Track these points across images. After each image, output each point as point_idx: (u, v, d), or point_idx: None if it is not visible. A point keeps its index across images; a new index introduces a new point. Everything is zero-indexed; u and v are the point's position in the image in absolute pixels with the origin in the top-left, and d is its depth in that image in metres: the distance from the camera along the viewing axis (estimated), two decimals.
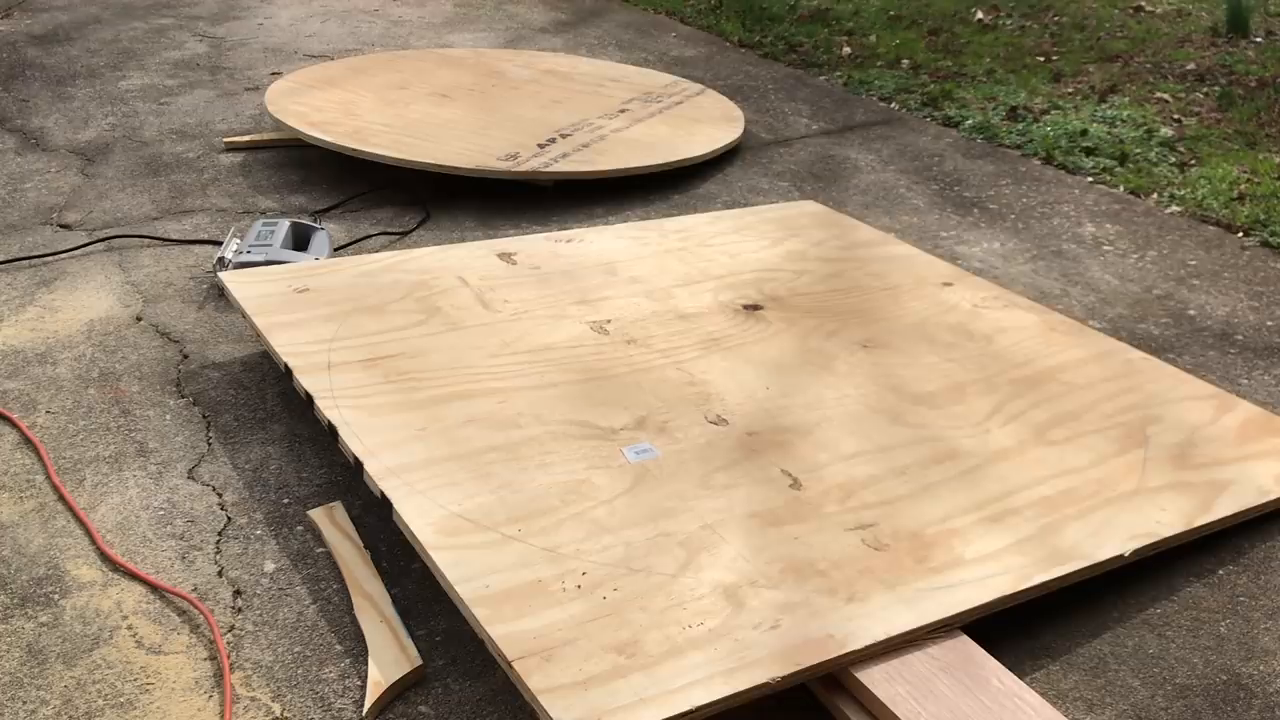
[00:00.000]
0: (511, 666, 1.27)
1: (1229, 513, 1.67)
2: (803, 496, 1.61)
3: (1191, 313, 2.46)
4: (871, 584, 1.44)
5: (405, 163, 2.83)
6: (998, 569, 1.49)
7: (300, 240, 2.46)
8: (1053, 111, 3.72)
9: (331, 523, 1.69)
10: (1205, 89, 4.00)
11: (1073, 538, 1.56)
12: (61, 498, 1.74)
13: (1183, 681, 1.47)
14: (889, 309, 2.19)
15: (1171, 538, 1.61)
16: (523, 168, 2.84)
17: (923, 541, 1.53)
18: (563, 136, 3.08)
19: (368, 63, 3.63)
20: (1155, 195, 3.10)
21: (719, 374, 1.91)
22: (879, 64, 4.29)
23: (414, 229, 2.73)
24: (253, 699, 1.39)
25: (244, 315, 2.03)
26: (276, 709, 1.38)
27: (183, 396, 2.02)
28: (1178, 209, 3.01)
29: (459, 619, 1.51)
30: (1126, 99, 3.87)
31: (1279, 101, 3.82)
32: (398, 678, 1.41)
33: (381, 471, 1.59)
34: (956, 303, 2.24)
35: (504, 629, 1.31)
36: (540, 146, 2.98)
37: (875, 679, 1.32)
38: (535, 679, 1.25)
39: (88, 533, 1.67)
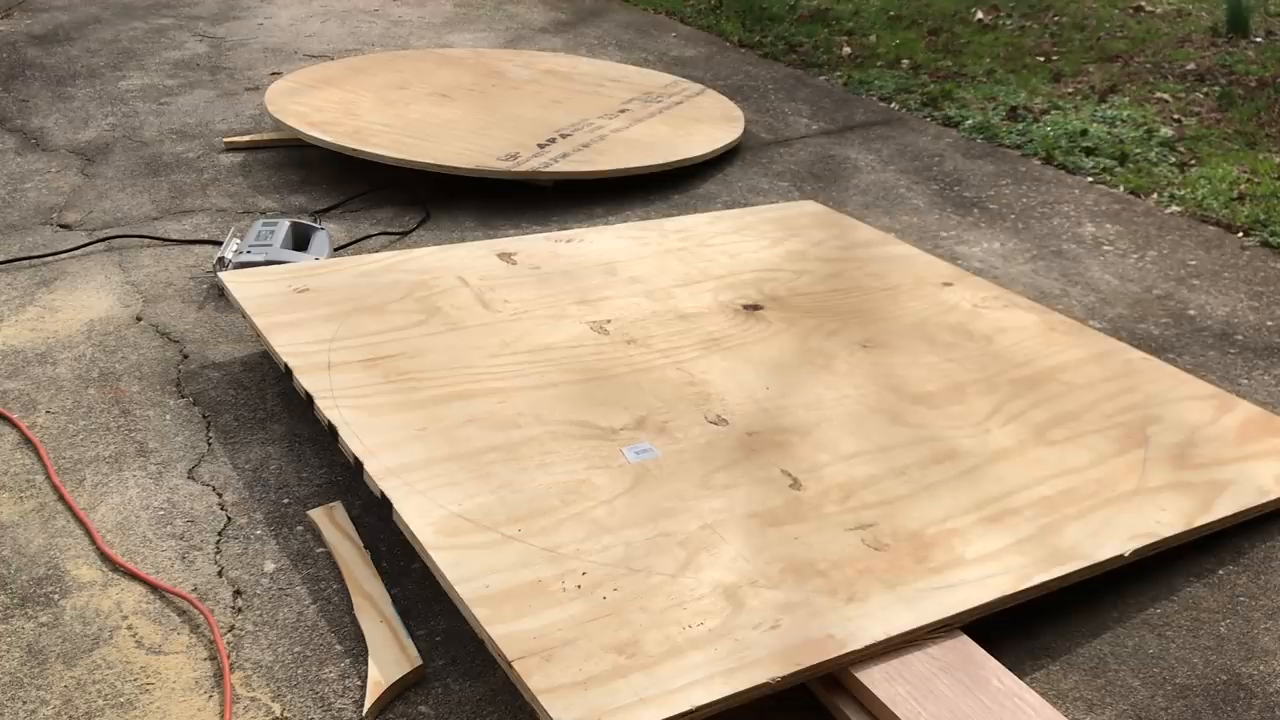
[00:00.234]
0: (511, 666, 1.27)
1: (1229, 513, 1.67)
2: (803, 496, 1.61)
3: (1191, 313, 2.46)
4: (871, 584, 1.44)
5: (405, 163, 2.83)
6: (998, 569, 1.49)
7: (300, 240, 2.46)
8: (1053, 111, 3.72)
9: (331, 523, 1.69)
10: (1205, 89, 4.00)
11: (1073, 538, 1.56)
12: (61, 498, 1.74)
13: (1183, 681, 1.47)
14: (889, 309, 2.19)
15: (1171, 538, 1.61)
16: (523, 168, 2.84)
17: (923, 541, 1.53)
18: (563, 136, 3.08)
19: (368, 63, 3.63)
20: (1155, 195, 3.10)
21: (719, 374, 1.91)
22: (879, 64, 4.29)
23: (414, 229, 2.73)
24: (253, 699, 1.39)
25: (244, 315, 2.03)
26: (276, 709, 1.38)
27: (183, 396, 2.02)
28: (1178, 209, 3.01)
29: (459, 619, 1.51)
30: (1126, 99, 3.87)
31: (1279, 101, 3.82)
32: (398, 678, 1.41)
33: (381, 471, 1.59)
34: (956, 303, 2.24)
35: (504, 629, 1.31)
36: (540, 146, 2.98)
37: (875, 679, 1.32)
38: (535, 679, 1.25)
39: (88, 533, 1.67)
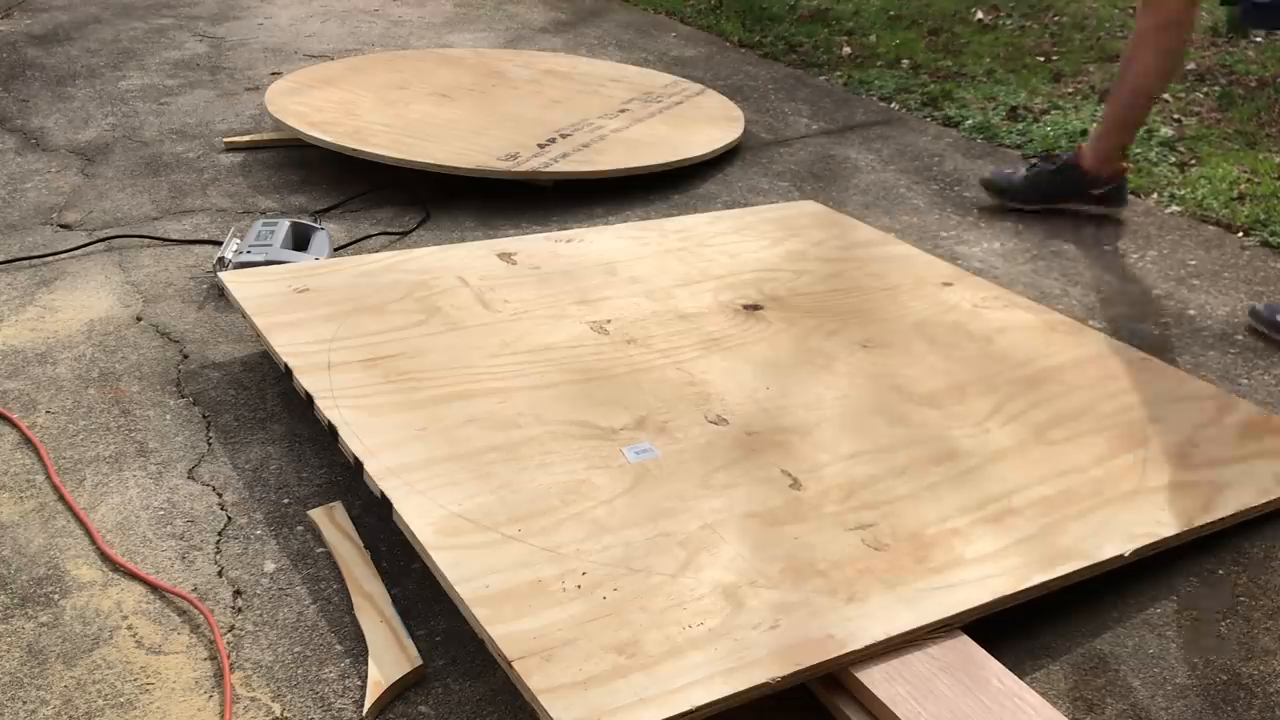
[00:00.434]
0: (512, 666, 1.27)
1: (1229, 512, 1.67)
2: (802, 496, 1.61)
3: (1191, 313, 2.46)
4: (871, 584, 1.44)
5: (405, 163, 2.84)
6: (998, 569, 1.49)
7: (300, 240, 2.46)
8: (1053, 111, 3.72)
9: (331, 523, 1.69)
10: (1205, 89, 4.00)
11: (1073, 538, 1.56)
12: (61, 498, 1.74)
13: (1183, 681, 1.47)
14: (889, 309, 2.19)
15: (1172, 537, 1.61)
16: (523, 168, 2.84)
17: (923, 541, 1.53)
18: (563, 136, 3.08)
19: (367, 63, 3.63)
20: (1155, 195, 3.10)
21: (719, 374, 1.91)
22: (879, 64, 4.29)
23: (414, 229, 2.73)
24: (253, 699, 1.39)
25: (244, 315, 2.03)
26: (276, 709, 1.38)
27: (183, 396, 2.02)
28: (1178, 209, 3.01)
29: (459, 619, 1.51)
30: None
31: (1279, 101, 3.82)
32: (398, 678, 1.41)
33: (381, 471, 1.59)
34: (957, 303, 2.24)
35: (504, 629, 1.31)
36: (540, 146, 2.98)
37: (875, 679, 1.32)
38: (535, 679, 1.25)
39: (88, 533, 1.67)
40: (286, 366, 1.85)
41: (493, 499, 1.55)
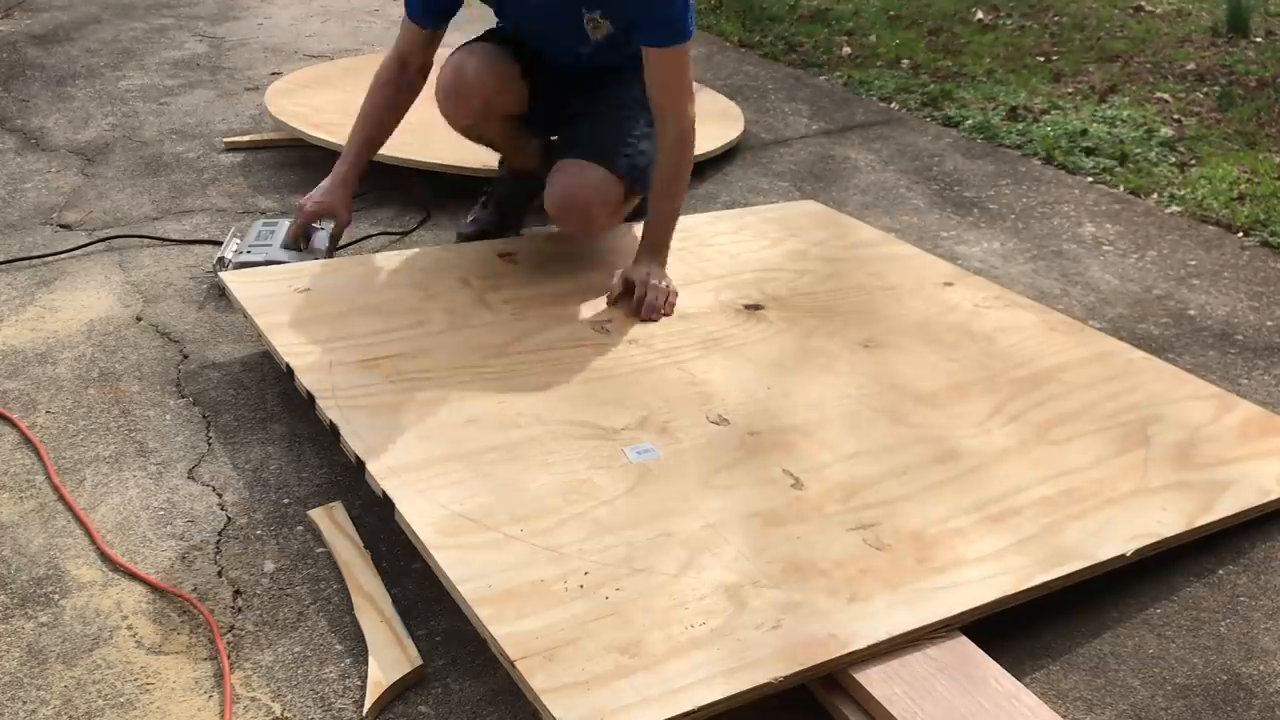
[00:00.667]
0: (514, 666, 1.27)
1: (1230, 512, 1.67)
2: (804, 496, 1.61)
3: (1191, 313, 2.46)
4: (873, 584, 1.44)
5: (408, 163, 2.83)
6: (999, 569, 1.49)
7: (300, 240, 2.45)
8: (1053, 111, 3.72)
9: (331, 523, 1.69)
10: (1205, 89, 4.00)
11: (1074, 538, 1.56)
12: (61, 498, 1.74)
13: (1183, 681, 1.47)
14: (890, 309, 2.19)
15: (1173, 537, 1.61)
16: None
17: (924, 541, 1.53)
18: None
19: (367, 63, 3.62)
20: (1155, 195, 3.10)
21: (720, 374, 1.91)
22: (879, 64, 4.29)
23: (414, 229, 2.73)
24: (253, 699, 1.39)
25: (245, 315, 2.03)
26: (276, 709, 1.38)
27: (183, 396, 2.02)
28: (1178, 209, 3.01)
29: (459, 619, 1.50)
30: (1126, 99, 3.87)
31: (1279, 101, 3.82)
32: (398, 678, 1.41)
33: (383, 471, 1.59)
34: (957, 303, 2.23)
35: (506, 629, 1.31)
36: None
37: (873, 679, 1.32)
38: (538, 679, 1.24)
39: (88, 533, 1.66)
40: (288, 366, 1.85)
41: (494, 499, 1.54)
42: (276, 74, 3.75)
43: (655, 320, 2.07)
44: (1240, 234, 2.86)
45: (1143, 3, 5.25)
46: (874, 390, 1.89)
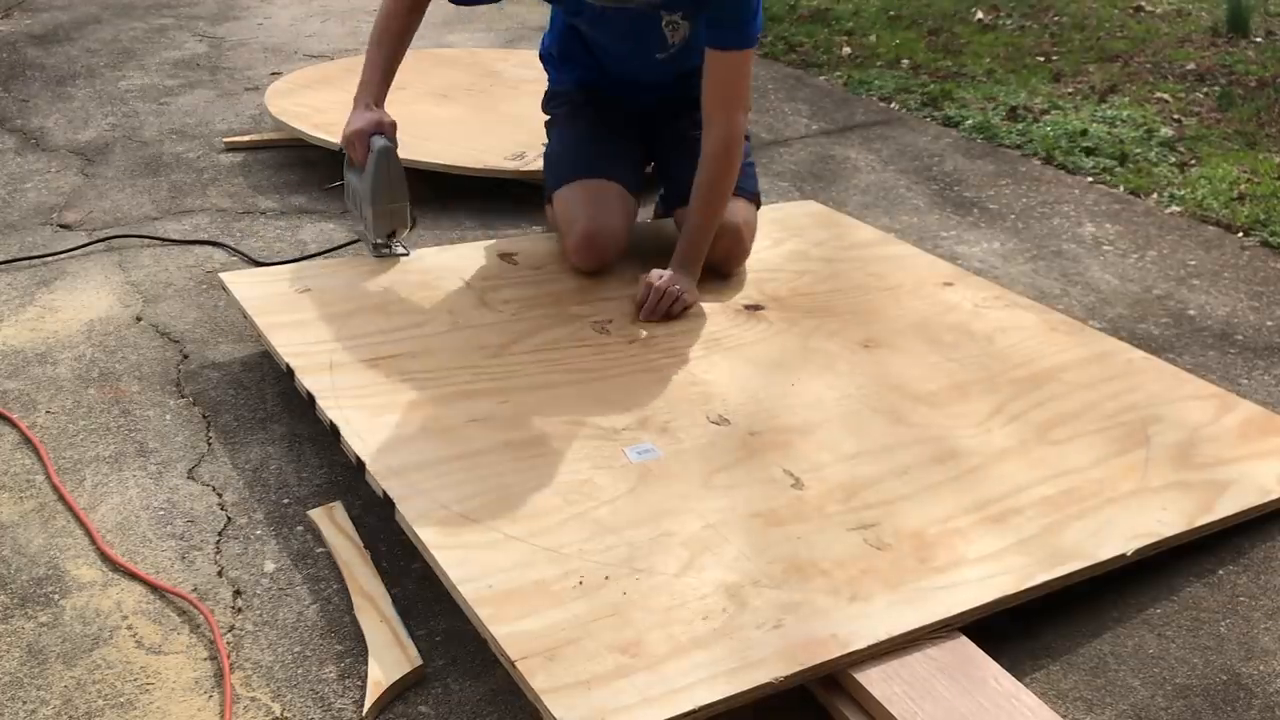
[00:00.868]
0: (515, 667, 1.27)
1: (1230, 512, 1.67)
2: (805, 496, 1.61)
3: (1191, 313, 2.46)
4: (874, 584, 1.44)
5: (410, 163, 2.82)
6: (1000, 569, 1.49)
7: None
8: (1053, 111, 3.72)
9: (331, 523, 1.69)
10: (1205, 89, 4.00)
11: (1075, 537, 1.56)
12: (61, 498, 1.74)
13: (1183, 681, 1.47)
14: (890, 309, 2.19)
15: (1173, 537, 1.61)
16: (530, 166, 2.84)
17: (925, 541, 1.53)
18: None
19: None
20: (1155, 195, 3.10)
21: (720, 374, 1.91)
22: (879, 64, 4.29)
23: (412, 227, 2.73)
24: (253, 699, 1.39)
25: (245, 315, 2.03)
26: (276, 709, 1.38)
27: (183, 396, 2.02)
28: (1178, 209, 3.01)
29: (459, 619, 1.50)
30: (1126, 99, 3.87)
31: (1279, 101, 3.82)
32: (398, 678, 1.40)
33: (384, 471, 1.59)
34: (957, 303, 2.23)
35: (507, 629, 1.31)
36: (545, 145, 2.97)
37: (872, 679, 1.32)
38: (539, 679, 1.24)
39: (88, 533, 1.66)
40: (288, 367, 1.85)
41: (495, 499, 1.54)
42: (276, 74, 3.75)
43: (654, 321, 2.05)
44: (1240, 234, 2.86)
45: (1143, 3, 5.25)
46: (874, 390, 1.89)
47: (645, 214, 2.59)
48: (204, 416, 1.97)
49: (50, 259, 2.50)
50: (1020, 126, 3.58)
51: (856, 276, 2.33)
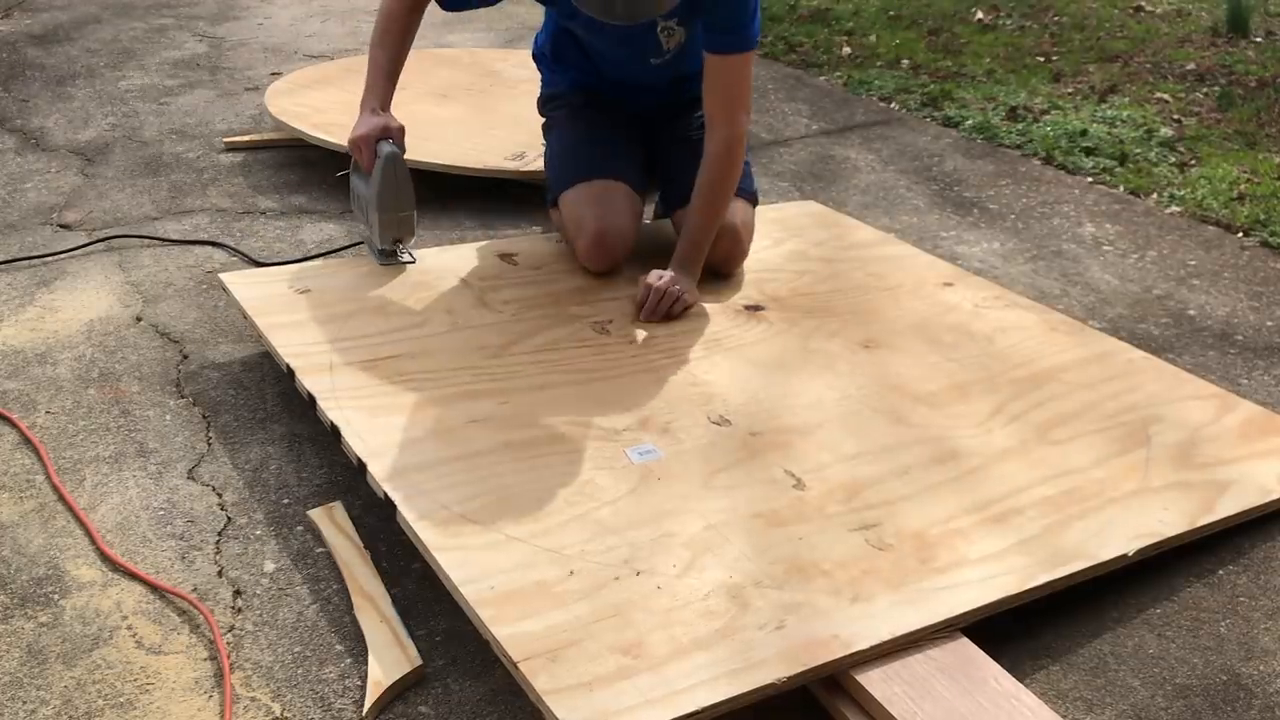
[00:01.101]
0: (517, 668, 1.27)
1: (1231, 512, 1.67)
2: (806, 497, 1.60)
3: (1191, 313, 2.46)
4: (875, 584, 1.44)
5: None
6: (1001, 569, 1.49)
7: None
8: (1053, 111, 3.72)
9: (331, 523, 1.69)
10: (1205, 89, 4.00)
11: (1076, 538, 1.56)
12: (61, 498, 1.74)
13: (1183, 681, 1.47)
14: (890, 309, 2.19)
15: (1174, 537, 1.61)
16: (530, 167, 2.84)
17: (926, 542, 1.53)
18: None
19: (366, 63, 3.62)
20: (1155, 195, 3.10)
21: (721, 374, 1.91)
22: (879, 64, 4.29)
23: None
24: (253, 699, 1.39)
25: (245, 315, 2.03)
26: (276, 709, 1.38)
27: (183, 396, 2.02)
28: (1178, 209, 3.01)
29: (459, 619, 1.50)
30: (1126, 99, 3.87)
31: (1279, 101, 3.82)
32: (398, 678, 1.40)
33: (385, 472, 1.58)
34: (957, 303, 2.23)
35: (509, 630, 1.31)
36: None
37: (873, 679, 1.32)
38: (541, 680, 1.24)
39: (88, 533, 1.66)
40: (289, 367, 1.85)
41: (495, 500, 1.54)
42: (276, 74, 3.75)
43: (654, 322, 2.05)
44: (1240, 234, 2.86)
45: (1143, 3, 5.25)
46: (874, 390, 1.89)
47: (645, 214, 2.59)
48: (204, 417, 1.97)
49: (50, 259, 2.50)
50: (1020, 126, 3.58)
51: (856, 277, 2.33)
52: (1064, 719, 1.40)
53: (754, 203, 2.33)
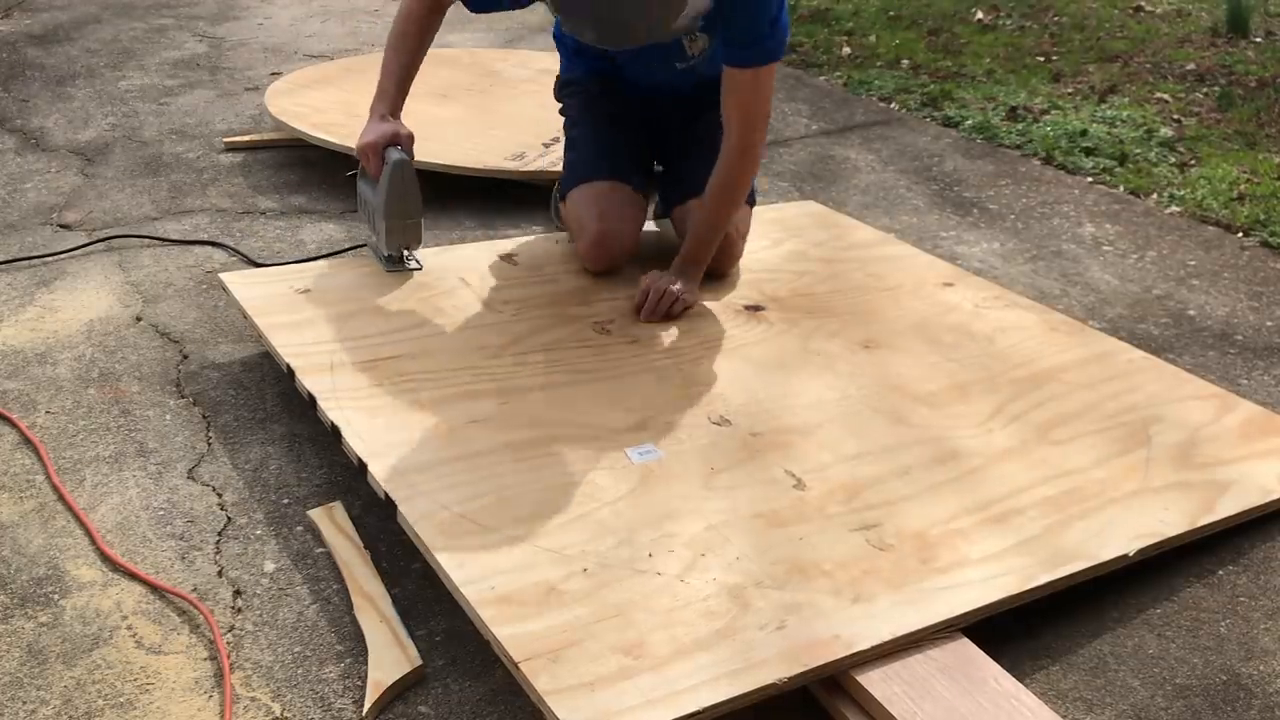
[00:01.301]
0: (518, 668, 1.27)
1: (1232, 512, 1.67)
2: (806, 497, 1.60)
3: (1191, 313, 2.46)
4: (876, 585, 1.44)
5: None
6: (1002, 569, 1.49)
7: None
8: (1053, 111, 3.73)
9: (331, 523, 1.69)
10: (1205, 89, 4.00)
11: (1076, 538, 1.56)
12: (61, 498, 1.74)
13: (1183, 681, 1.47)
14: (890, 309, 2.19)
15: (1175, 537, 1.61)
16: (530, 167, 2.84)
17: (927, 542, 1.53)
18: None
19: (366, 63, 3.63)
20: (1155, 195, 3.11)
21: (721, 374, 1.91)
22: (879, 64, 4.29)
23: None
24: (253, 699, 1.39)
25: (245, 315, 2.03)
26: (276, 709, 1.38)
27: (183, 396, 2.02)
28: (1177, 209, 3.01)
29: (459, 619, 1.50)
30: (1126, 99, 3.87)
31: (1279, 101, 3.82)
32: (398, 678, 1.40)
33: (385, 472, 1.58)
34: (957, 303, 2.23)
35: (510, 630, 1.31)
36: (545, 146, 2.97)
37: (873, 679, 1.32)
38: (542, 680, 1.24)
39: (88, 533, 1.66)
40: (289, 368, 1.85)
41: (496, 500, 1.54)
42: (276, 74, 3.75)
43: (655, 322, 2.05)
44: (1240, 234, 2.86)
45: (1143, 3, 5.26)
46: (875, 391, 1.89)
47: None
48: (204, 416, 1.96)
49: (50, 259, 2.50)
50: (1020, 127, 3.58)
51: (856, 277, 2.33)
52: (1064, 719, 1.40)
53: (751, 204, 2.32)
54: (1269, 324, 2.42)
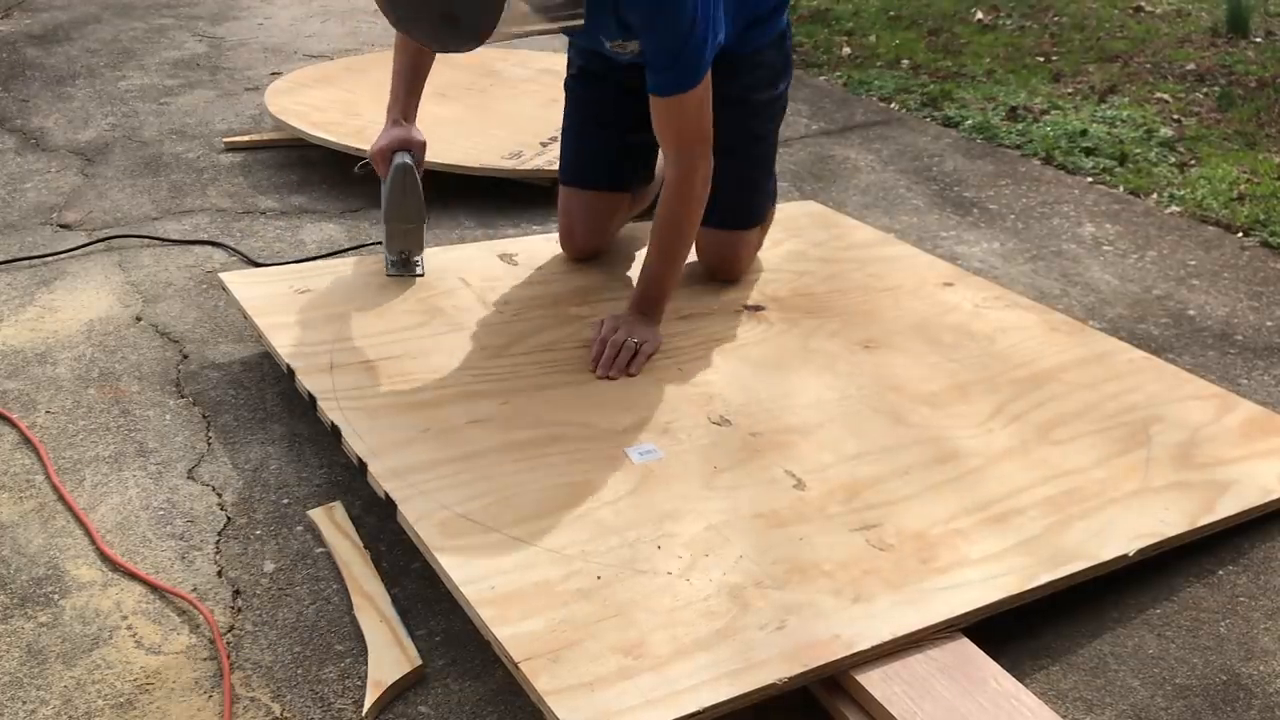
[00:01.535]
0: (518, 668, 1.27)
1: (1232, 512, 1.67)
2: (806, 497, 1.60)
3: (1191, 313, 2.46)
4: (876, 585, 1.44)
5: None
6: (1002, 569, 1.49)
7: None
8: (1053, 111, 3.73)
9: (331, 523, 1.69)
10: (1205, 89, 4.00)
11: (1077, 538, 1.56)
12: (61, 498, 1.74)
13: (1183, 681, 1.47)
14: (890, 309, 2.19)
15: (1175, 537, 1.61)
16: (527, 166, 2.84)
17: (927, 542, 1.53)
18: None
19: (366, 62, 3.63)
20: (1155, 195, 3.11)
21: (721, 375, 1.91)
22: (879, 64, 4.29)
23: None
24: (253, 699, 1.39)
25: (245, 315, 2.03)
26: (276, 709, 1.38)
27: (183, 396, 2.02)
28: (1177, 209, 3.01)
29: (459, 619, 1.50)
30: (1126, 99, 3.87)
31: (1279, 101, 3.82)
32: (398, 678, 1.40)
33: (385, 473, 1.58)
34: (957, 303, 2.23)
35: (510, 630, 1.31)
36: (543, 145, 2.98)
37: (873, 679, 1.32)
38: (543, 680, 1.24)
39: (88, 533, 1.66)
40: (289, 368, 1.85)
41: (496, 500, 1.54)
42: (276, 74, 3.75)
43: (612, 379, 1.85)
44: (1240, 234, 2.86)
45: (1143, 3, 5.26)
46: (875, 391, 1.89)
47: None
48: (204, 416, 1.96)
49: (50, 259, 2.50)
50: (1020, 127, 3.59)
51: (856, 277, 2.33)
52: (1064, 719, 1.40)
53: (761, 221, 2.29)
54: (1269, 324, 2.42)
